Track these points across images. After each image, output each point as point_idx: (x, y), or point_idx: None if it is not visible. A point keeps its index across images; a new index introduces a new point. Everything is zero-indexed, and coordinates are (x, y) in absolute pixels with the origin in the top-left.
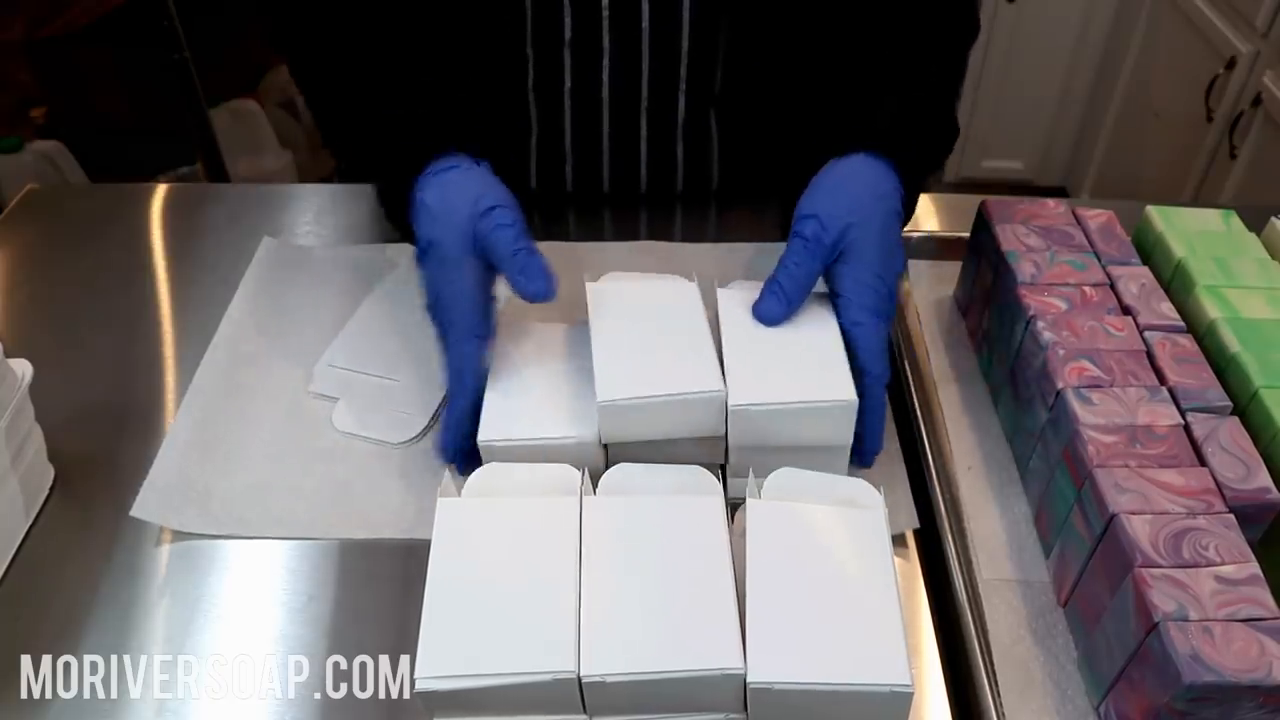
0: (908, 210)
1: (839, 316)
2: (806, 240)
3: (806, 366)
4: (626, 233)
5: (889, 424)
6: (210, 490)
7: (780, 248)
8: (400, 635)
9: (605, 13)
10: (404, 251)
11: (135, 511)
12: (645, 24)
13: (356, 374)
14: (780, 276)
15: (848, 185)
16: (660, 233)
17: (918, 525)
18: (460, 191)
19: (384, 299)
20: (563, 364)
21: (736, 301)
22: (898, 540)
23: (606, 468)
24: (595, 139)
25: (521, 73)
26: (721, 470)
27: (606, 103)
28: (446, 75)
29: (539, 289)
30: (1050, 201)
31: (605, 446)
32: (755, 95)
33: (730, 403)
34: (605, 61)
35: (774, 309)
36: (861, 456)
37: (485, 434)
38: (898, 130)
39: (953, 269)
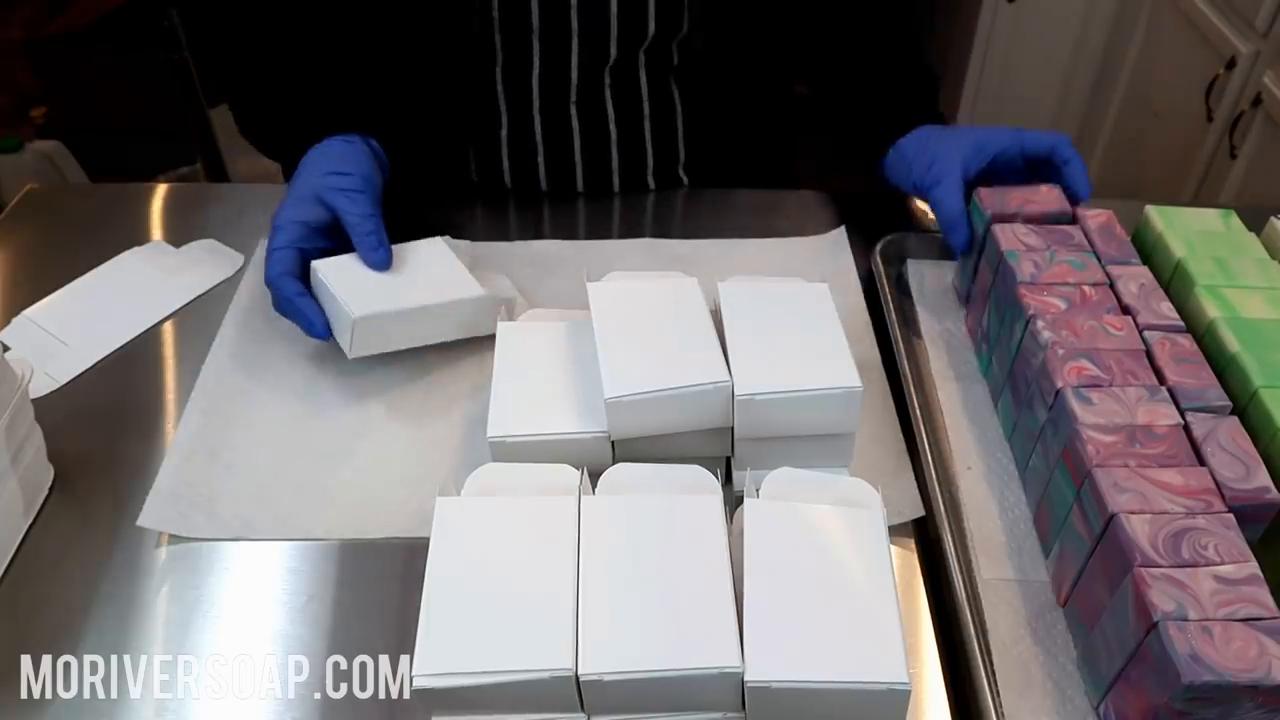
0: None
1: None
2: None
3: (810, 356)
4: (600, 227)
5: (891, 417)
6: (215, 495)
7: (776, 243)
8: (400, 635)
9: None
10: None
11: (142, 521)
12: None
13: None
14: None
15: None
16: (640, 227)
17: (921, 513)
18: (325, 154)
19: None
20: (567, 361)
21: (738, 295)
22: (898, 538)
23: (614, 463)
24: (564, 124)
25: (490, 62)
26: (727, 464)
27: (574, 86)
28: (406, 74)
29: (379, 258)
30: (1044, 187)
31: (613, 442)
32: (713, 66)
33: (736, 392)
34: (574, 44)
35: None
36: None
37: (494, 430)
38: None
39: (953, 269)
